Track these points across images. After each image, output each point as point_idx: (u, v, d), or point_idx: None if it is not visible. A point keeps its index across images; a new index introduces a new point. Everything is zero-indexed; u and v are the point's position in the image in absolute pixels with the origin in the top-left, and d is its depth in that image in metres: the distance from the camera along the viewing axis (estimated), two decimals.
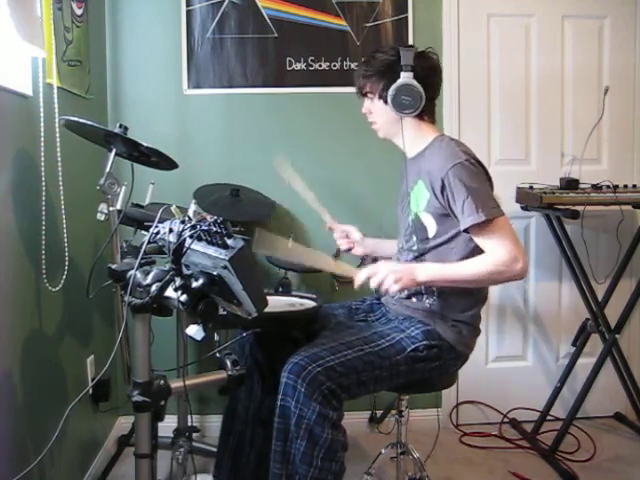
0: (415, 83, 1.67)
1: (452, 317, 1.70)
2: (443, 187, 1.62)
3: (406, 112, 1.70)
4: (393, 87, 1.68)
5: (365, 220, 2.67)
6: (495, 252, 1.57)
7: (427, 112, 1.75)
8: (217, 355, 1.55)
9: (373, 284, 1.58)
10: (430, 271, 1.62)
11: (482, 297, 1.77)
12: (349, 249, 1.97)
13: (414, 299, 1.74)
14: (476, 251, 1.62)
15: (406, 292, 1.74)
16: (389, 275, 1.56)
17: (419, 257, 1.73)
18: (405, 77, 1.67)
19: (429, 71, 1.72)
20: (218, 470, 1.87)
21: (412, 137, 1.76)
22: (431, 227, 1.70)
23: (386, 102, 1.71)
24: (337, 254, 1.97)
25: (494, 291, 2.81)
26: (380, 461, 2.00)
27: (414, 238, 1.75)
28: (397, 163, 1.88)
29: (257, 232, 1.61)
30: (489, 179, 1.69)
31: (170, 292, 1.31)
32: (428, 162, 1.70)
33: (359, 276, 1.60)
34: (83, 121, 1.58)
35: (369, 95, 1.77)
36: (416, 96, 1.68)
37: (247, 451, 1.83)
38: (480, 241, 1.61)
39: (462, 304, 1.71)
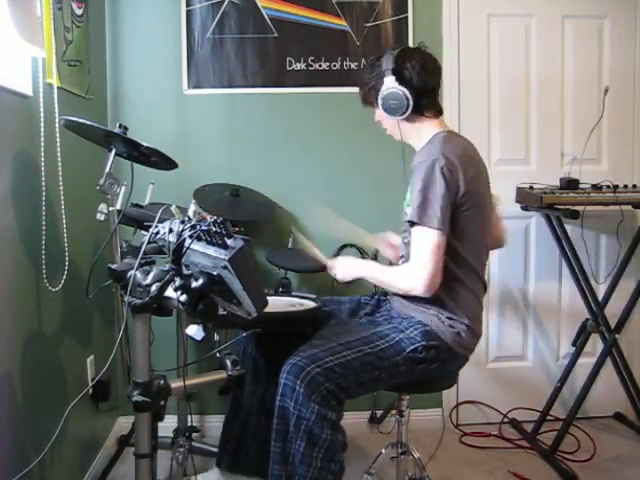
0: (396, 85, 1.67)
1: (451, 318, 1.70)
2: (411, 177, 1.66)
3: (397, 115, 1.71)
4: (380, 95, 1.70)
5: (365, 219, 2.67)
6: (413, 264, 1.63)
7: (426, 107, 1.74)
8: (217, 355, 1.55)
9: (331, 272, 1.84)
10: (362, 270, 1.81)
11: (480, 300, 1.77)
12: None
13: (415, 299, 1.74)
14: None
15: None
16: (338, 267, 1.82)
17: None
18: (387, 82, 1.69)
19: (416, 66, 1.69)
20: (221, 458, 1.88)
21: (417, 136, 1.77)
22: None
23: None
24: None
25: (494, 291, 2.81)
26: (380, 461, 2.00)
27: (406, 231, 1.78)
28: (397, 161, 1.88)
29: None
30: (459, 187, 1.62)
31: (170, 292, 1.31)
32: None
33: (329, 264, 1.87)
34: (83, 121, 1.58)
35: (373, 105, 1.78)
36: (400, 98, 1.68)
37: (250, 440, 1.83)
38: (412, 240, 1.65)
39: (461, 306, 1.71)
